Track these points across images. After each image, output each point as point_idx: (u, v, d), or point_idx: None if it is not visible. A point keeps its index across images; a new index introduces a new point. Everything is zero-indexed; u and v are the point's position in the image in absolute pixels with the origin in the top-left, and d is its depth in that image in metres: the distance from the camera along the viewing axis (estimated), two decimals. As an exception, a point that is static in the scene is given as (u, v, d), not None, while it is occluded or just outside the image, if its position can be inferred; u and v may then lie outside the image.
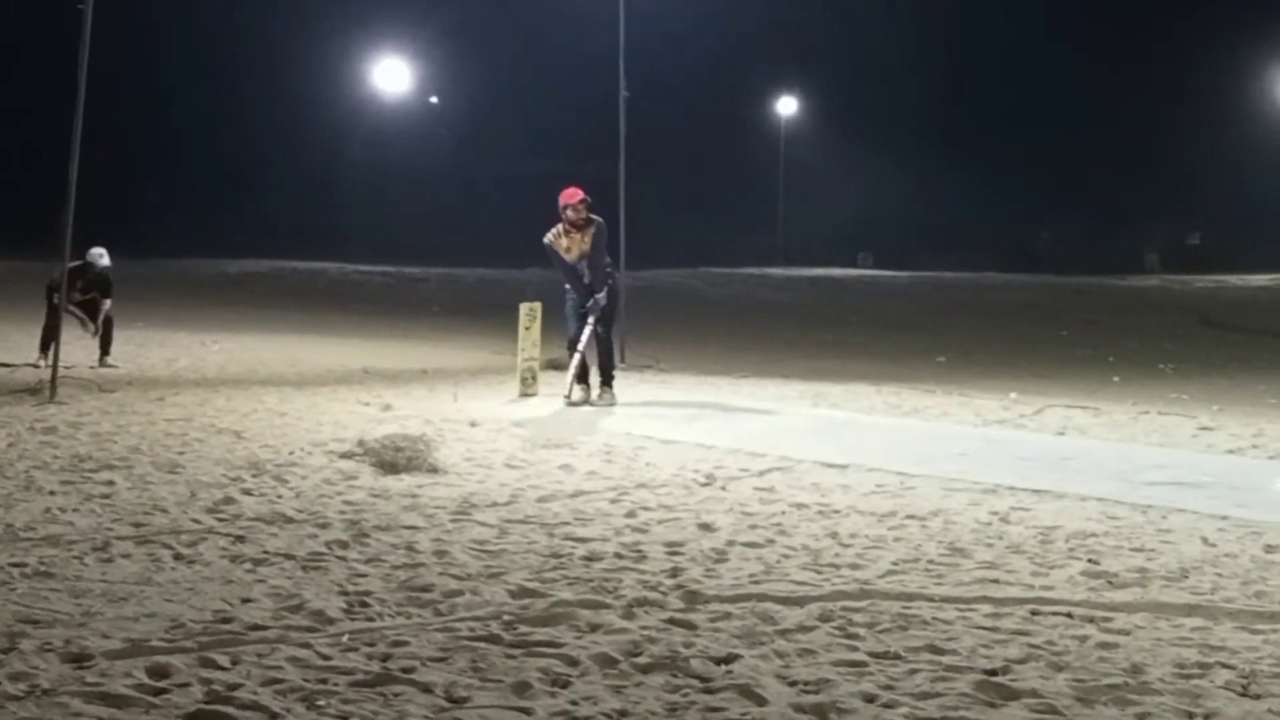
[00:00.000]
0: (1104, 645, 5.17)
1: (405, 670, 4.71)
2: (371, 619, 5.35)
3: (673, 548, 6.72)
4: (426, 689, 4.54)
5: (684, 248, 47.66)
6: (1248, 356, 20.95)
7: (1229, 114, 57.71)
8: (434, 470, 8.67)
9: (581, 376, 12.80)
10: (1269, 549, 6.86)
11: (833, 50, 62.71)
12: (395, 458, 8.76)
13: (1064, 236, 60.10)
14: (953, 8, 62.14)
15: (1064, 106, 62.33)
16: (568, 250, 12.77)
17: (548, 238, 12.88)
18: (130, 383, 13.56)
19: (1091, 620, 5.50)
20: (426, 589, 5.79)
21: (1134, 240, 57.37)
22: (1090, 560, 6.55)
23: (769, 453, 9.73)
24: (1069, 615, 5.56)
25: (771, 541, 6.90)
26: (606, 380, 12.83)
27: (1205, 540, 7.06)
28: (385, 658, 4.86)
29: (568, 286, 13.00)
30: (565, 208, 12.71)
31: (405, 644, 5.00)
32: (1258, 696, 4.62)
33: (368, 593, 5.70)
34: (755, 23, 58.82)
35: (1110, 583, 6.12)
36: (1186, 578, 6.23)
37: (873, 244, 58.00)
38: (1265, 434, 11.23)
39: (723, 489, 8.39)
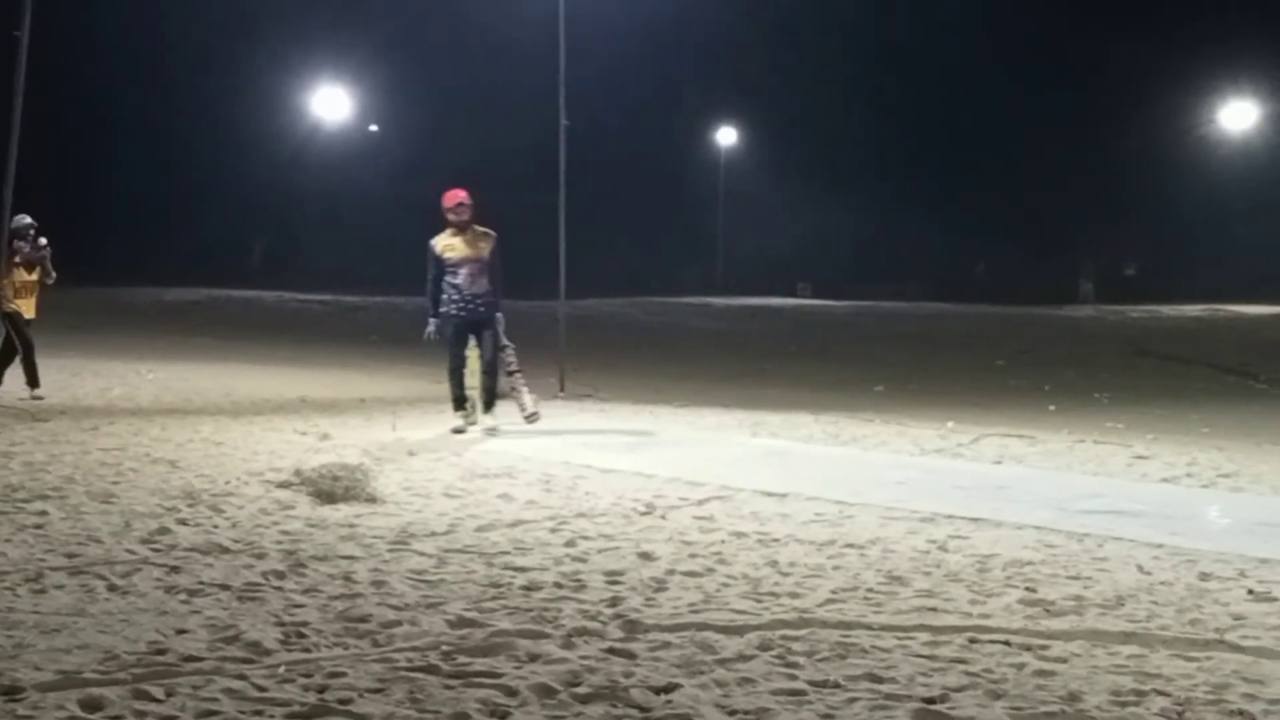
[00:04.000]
0: (1041, 673, 5.19)
1: (342, 701, 4.67)
2: (308, 650, 5.30)
3: (612, 577, 6.70)
4: (364, 720, 4.50)
5: (623, 276, 47.71)
6: (1182, 386, 21.17)
7: (1164, 145, 58.57)
8: (372, 500, 8.62)
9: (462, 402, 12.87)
10: (1203, 577, 6.93)
11: (772, 81, 63.13)
12: (333, 487, 8.70)
13: (999, 267, 60.62)
14: (890, 41, 62.76)
15: (1000, 138, 62.94)
16: (447, 249, 12.87)
17: (434, 240, 13.00)
18: (64, 412, 13.40)
19: (1029, 648, 5.54)
20: (364, 619, 5.75)
21: (1069, 270, 57.91)
22: (1027, 588, 6.59)
23: (708, 482, 9.73)
24: (1007, 643, 5.59)
25: (711, 570, 6.90)
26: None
27: (1140, 568, 7.11)
28: (322, 689, 4.81)
29: (444, 311, 13.06)
30: (447, 210, 12.89)
31: (342, 675, 4.96)
32: (1192, 723, 4.66)
33: (304, 623, 5.65)
34: (695, 53, 59.21)
35: (1047, 611, 6.16)
36: (1122, 605, 6.28)
37: (811, 274, 58.33)
38: (1199, 463, 11.35)
39: (662, 518, 8.38)
